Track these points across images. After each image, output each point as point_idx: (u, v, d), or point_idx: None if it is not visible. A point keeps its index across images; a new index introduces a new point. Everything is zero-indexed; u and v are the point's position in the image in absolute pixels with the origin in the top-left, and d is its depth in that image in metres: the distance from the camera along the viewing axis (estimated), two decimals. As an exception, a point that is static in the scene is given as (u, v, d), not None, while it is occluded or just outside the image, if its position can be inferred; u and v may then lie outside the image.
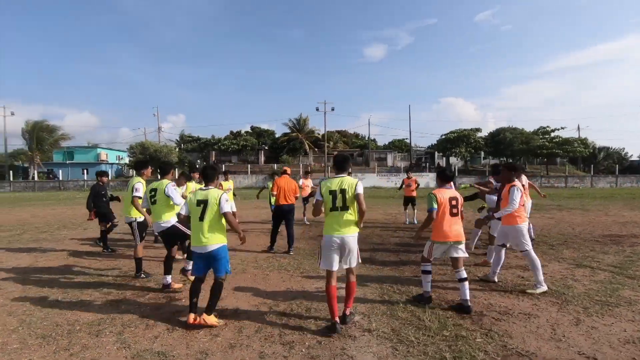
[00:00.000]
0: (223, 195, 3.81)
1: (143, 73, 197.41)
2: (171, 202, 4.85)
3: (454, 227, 4.10)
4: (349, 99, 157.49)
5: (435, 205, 4.08)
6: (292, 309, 4.10)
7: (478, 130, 46.78)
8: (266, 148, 54.18)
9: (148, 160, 6.13)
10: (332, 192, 3.60)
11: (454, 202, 4.12)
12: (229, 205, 3.88)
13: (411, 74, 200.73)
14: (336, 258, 3.62)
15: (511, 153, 43.85)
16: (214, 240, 3.73)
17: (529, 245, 4.68)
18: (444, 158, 49.45)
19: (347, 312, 3.68)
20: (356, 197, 3.60)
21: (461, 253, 4.14)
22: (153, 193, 4.98)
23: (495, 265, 4.99)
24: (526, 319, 3.77)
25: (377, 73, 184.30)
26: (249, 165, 45.35)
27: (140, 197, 5.13)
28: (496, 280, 5.00)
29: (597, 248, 7.28)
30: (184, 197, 5.22)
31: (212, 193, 3.80)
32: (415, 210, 11.04)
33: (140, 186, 5.26)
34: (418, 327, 3.58)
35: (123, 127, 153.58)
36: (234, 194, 10.38)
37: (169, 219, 4.86)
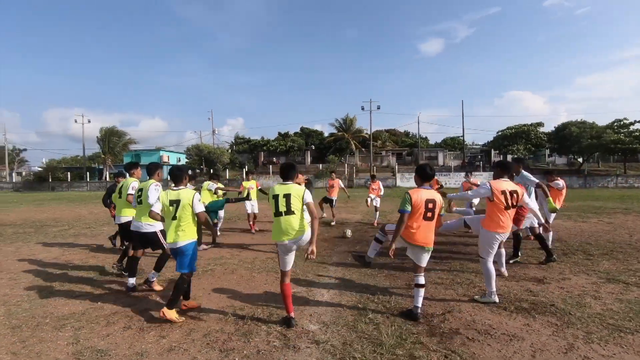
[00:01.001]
0: (196, 196, 3.98)
1: (206, 79, 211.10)
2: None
3: (426, 232, 3.72)
4: (404, 96, 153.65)
5: (409, 208, 3.70)
6: (255, 313, 3.97)
7: (540, 125, 42.66)
8: (313, 148, 54.66)
9: (137, 162, 6.40)
10: (275, 197, 3.63)
11: (430, 205, 3.70)
12: (202, 206, 4.01)
13: (470, 68, 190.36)
14: (287, 260, 3.66)
15: (579, 149, 39.35)
16: (184, 237, 3.88)
17: (488, 255, 4.26)
18: (501, 156, 45.93)
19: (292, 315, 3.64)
20: (306, 206, 3.61)
21: (424, 263, 3.84)
22: (140, 193, 5.14)
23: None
24: (506, 342, 3.25)
25: (433, 69, 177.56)
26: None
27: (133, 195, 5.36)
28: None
29: (650, 260, 6.15)
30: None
31: (184, 193, 3.96)
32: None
33: (136, 185, 5.50)
34: (373, 342, 3.25)
35: (188, 131, 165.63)
36: (261, 191, 10.60)
37: (154, 224, 4.95)
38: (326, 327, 3.59)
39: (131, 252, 5.41)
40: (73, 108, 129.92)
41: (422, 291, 3.79)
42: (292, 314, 3.63)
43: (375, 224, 10.94)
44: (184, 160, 56.74)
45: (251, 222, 9.85)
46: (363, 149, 51.91)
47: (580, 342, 3.21)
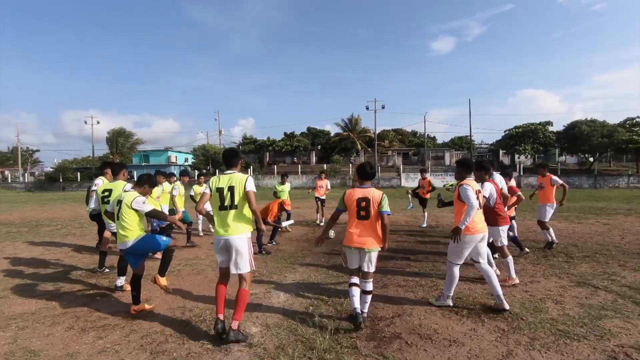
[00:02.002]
0: (137, 199, 4.07)
1: (218, 80, 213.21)
2: None
3: (360, 232, 3.59)
4: (415, 96, 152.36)
5: (342, 206, 3.70)
6: (201, 315, 3.94)
7: (548, 124, 41.77)
8: (319, 148, 54.62)
9: (110, 161, 6.46)
10: (220, 190, 3.42)
11: (363, 204, 3.58)
12: (148, 206, 4.12)
13: (483, 66, 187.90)
14: (225, 258, 3.48)
15: (589, 148, 38.42)
16: (131, 236, 4.01)
17: (457, 260, 4.06)
18: (509, 155, 45.16)
19: (234, 326, 3.23)
20: (246, 194, 3.40)
21: (368, 267, 3.63)
22: (107, 193, 5.18)
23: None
24: (445, 347, 3.15)
25: (445, 67, 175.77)
26: (299, 166, 46.08)
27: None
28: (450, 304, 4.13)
29: (632, 263, 5.92)
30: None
31: (127, 195, 4.12)
32: (426, 213, 10.16)
33: (99, 182, 5.57)
34: (307, 345, 3.19)
35: (199, 131, 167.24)
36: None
37: None
38: (267, 330, 3.54)
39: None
40: (89, 109, 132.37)
41: (368, 297, 3.67)
42: (222, 316, 3.34)
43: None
44: (191, 160, 57.31)
45: None
46: (369, 149, 51.60)
47: (521, 349, 3.09)
